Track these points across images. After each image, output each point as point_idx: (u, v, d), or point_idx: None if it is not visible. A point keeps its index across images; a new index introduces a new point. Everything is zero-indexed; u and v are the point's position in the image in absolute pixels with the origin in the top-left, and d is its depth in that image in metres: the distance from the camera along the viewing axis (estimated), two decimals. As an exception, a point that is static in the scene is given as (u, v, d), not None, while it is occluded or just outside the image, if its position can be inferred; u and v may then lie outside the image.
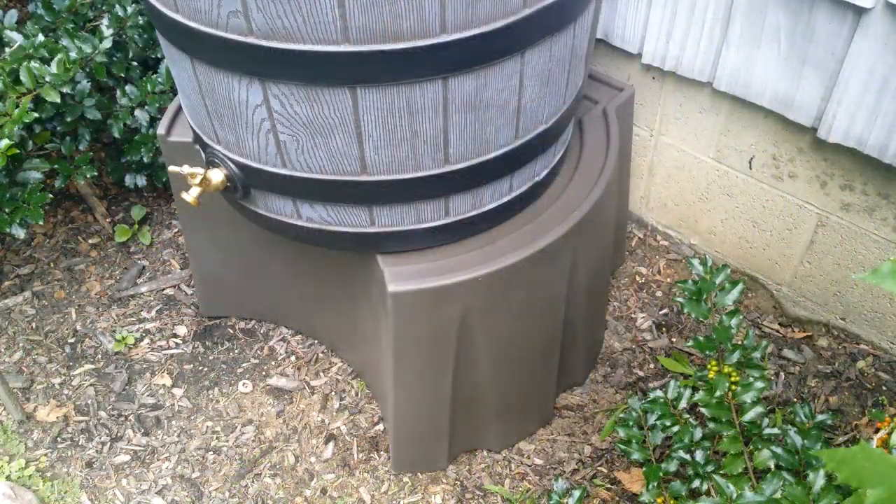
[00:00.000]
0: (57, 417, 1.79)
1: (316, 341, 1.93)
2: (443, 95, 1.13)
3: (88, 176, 1.88)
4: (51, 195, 1.82)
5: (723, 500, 1.14)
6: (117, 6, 1.84)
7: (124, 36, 1.88)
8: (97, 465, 1.71)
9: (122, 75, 1.88)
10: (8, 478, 1.66)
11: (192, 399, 1.83)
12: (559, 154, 1.50)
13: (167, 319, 1.99)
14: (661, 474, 1.34)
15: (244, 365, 1.89)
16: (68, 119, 1.79)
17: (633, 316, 1.97)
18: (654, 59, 1.81)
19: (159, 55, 1.94)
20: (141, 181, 2.06)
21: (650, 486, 1.33)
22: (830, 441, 1.67)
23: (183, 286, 2.07)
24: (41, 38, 1.69)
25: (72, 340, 1.95)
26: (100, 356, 1.92)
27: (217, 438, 1.75)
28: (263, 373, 1.87)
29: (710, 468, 1.30)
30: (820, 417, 1.35)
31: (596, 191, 1.50)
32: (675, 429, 1.37)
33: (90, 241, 2.18)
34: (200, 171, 1.31)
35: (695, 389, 1.39)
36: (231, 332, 1.97)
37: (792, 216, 1.80)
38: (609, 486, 1.64)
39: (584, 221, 1.46)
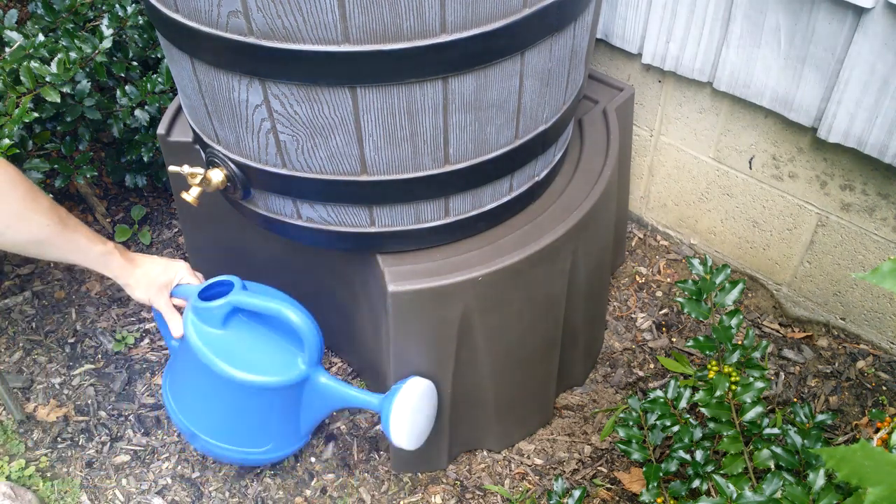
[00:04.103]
0: (57, 417, 1.79)
1: (316, 341, 1.93)
2: (443, 95, 1.13)
3: (88, 176, 1.88)
4: (51, 195, 1.82)
5: (723, 500, 1.14)
6: (117, 6, 1.84)
7: (124, 36, 1.88)
8: (97, 465, 1.71)
9: (122, 75, 1.88)
10: (8, 478, 1.66)
11: (192, 399, 1.83)
12: (559, 154, 1.51)
13: (167, 319, 1.99)
14: (661, 474, 1.34)
15: (244, 365, 1.89)
16: (68, 119, 1.79)
17: (633, 316, 1.97)
18: (654, 59, 1.81)
19: (159, 55, 1.94)
20: (141, 181, 2.06)
21: (650, 486, 1.34)
22: (830, 441, 1.67)
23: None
24: (41, 37, 1.69)
25: (72, 340, 1.95)
26: (100, 356, 1.92)
27: (217, 438, 1.75)
28: (263, 373, 1.87)
29: (709, 468, 1.30)
30: (820, 417, 1.35)
31: (596, 191, 1.50)
32: (675, 429, 1.37)
33: (90, 241, 2.18)
34: (200, 170, 1.31)
35: (695, 389, 1.39)
36: (231, 332, 1.96)
37: (792, 216, 1.80)
38: (609, 486, 1.64)
39: (584, 221, 1.46)
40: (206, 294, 1.38)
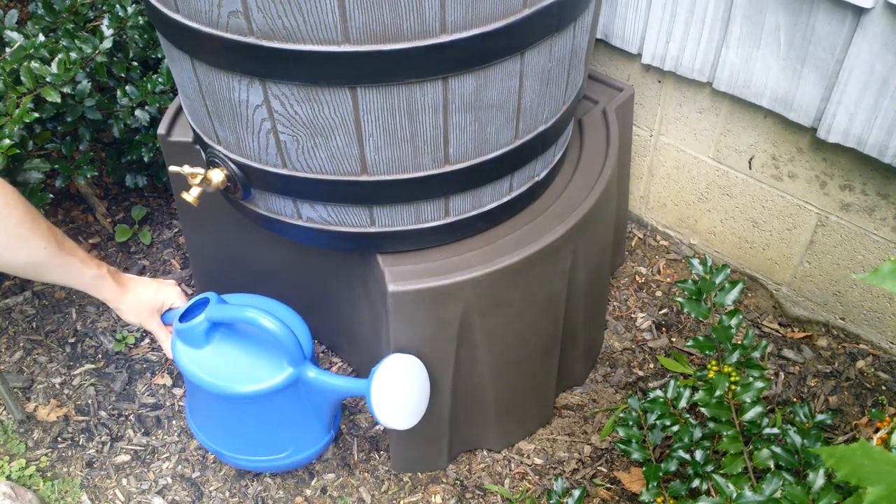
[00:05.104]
0: (57, 417, 1.79)
1: (316, 341, 1.93)
2: (443, 95, 1.13)
3: (89, 176, 1.89)
4: (51, 195, 1.83)
5: (722, 500, 1.14)
6: (117, 6, 1.84)
7: (125, 36, 1.88)
8: (98, 465, 1.71)
9: (123, 75, 1.88)
10: (8, 477, 1.66)
11: (192, 399, 1.83)
12: (559, 154, 1.51)
13: (167, 319, 2.00)
14: (660, 474, 1.34)
15: (244, 365, 1.89)
16: (69, 119, 1.79)
17: (633, 316, 1.97)
18: (653, 60, 1.81)
19: (160, 55, 1.95)
20: (141, 181, 2.06)
21: (650, 486, 1.34)
22: (830, 441, 1.68)
23: (183, 286, 2.07)
24: (41, 38, 1.69)
25: (72, 340, 1.95)
26: (100, 356, 1.92)
27: (217, 438, 1.75)
28: (264, 373, 1.87)
29: (709, 468, 1.30)
30: (819, 417, 1.35)
31: (596, 191, 1.50)
32: (675, 428, 1.37)
33: (90, 241, 2.19)
34: (201, 171, 1.31)
35: (694, 389, 1.39)
36: (231, 331, 1.97)
37: (792, 216, 1.80)
38: (609, 485, 1.64)
39: (584, 221, 1.46)
40: (189, 315, 1.39)
